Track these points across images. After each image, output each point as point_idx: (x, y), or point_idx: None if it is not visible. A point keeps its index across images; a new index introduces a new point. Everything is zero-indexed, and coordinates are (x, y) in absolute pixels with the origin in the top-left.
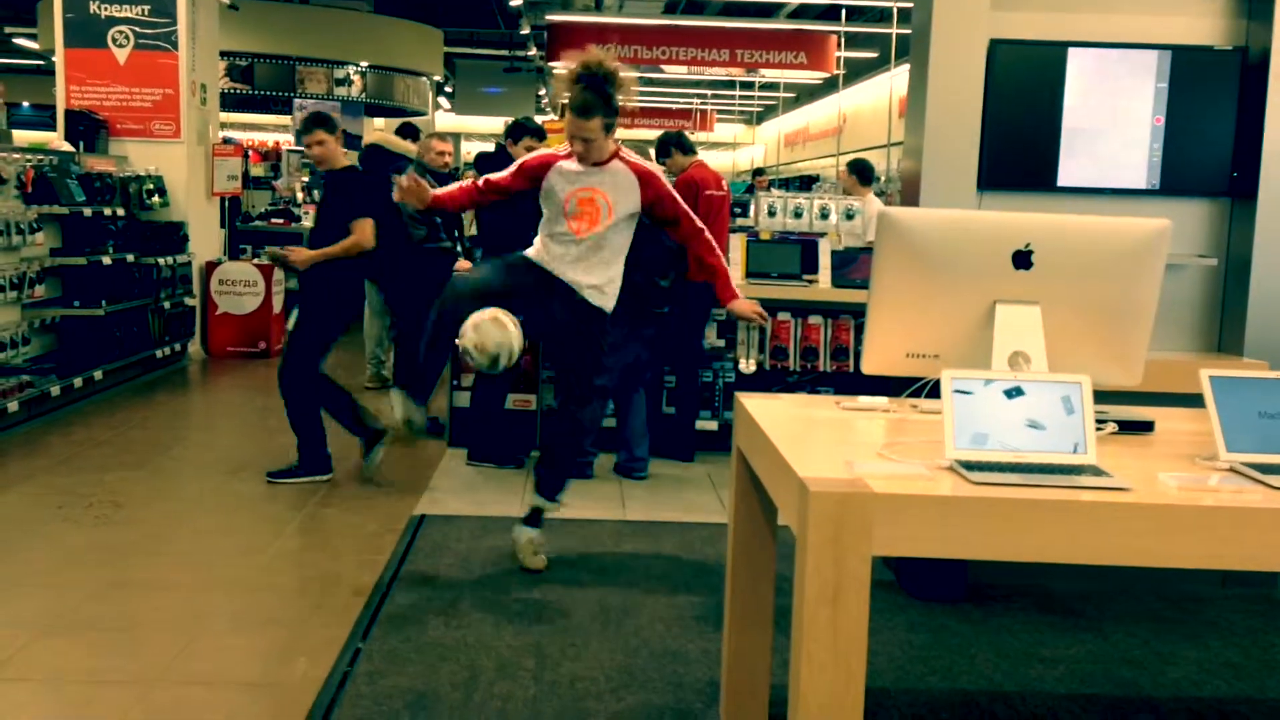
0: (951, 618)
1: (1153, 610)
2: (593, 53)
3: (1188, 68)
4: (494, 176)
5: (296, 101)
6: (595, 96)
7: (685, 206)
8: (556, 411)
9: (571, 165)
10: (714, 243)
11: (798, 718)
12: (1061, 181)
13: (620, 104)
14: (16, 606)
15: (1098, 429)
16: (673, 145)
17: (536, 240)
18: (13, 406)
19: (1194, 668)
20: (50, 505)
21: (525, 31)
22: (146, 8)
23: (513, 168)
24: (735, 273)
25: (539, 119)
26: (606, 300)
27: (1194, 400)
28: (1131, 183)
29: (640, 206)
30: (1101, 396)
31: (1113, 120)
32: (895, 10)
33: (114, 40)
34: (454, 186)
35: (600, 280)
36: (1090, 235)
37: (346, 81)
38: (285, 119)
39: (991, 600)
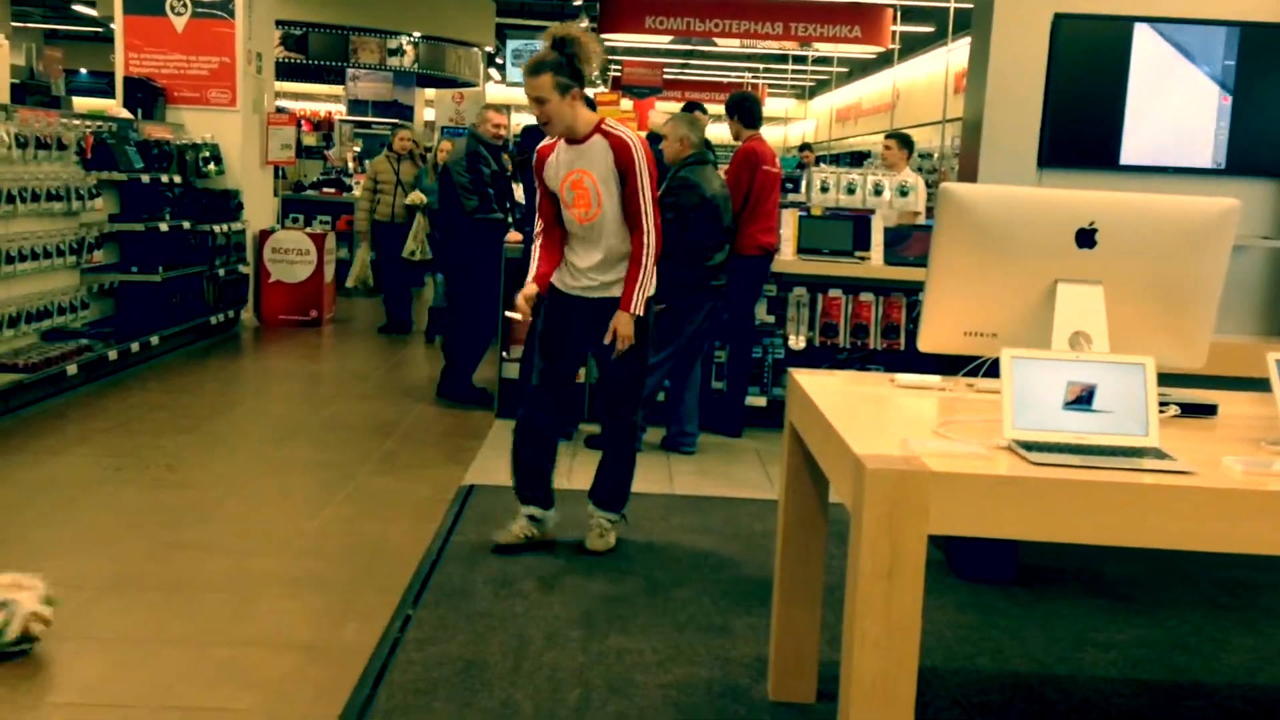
0: (1001, 599)
1: (1207, 595)
2: (568, 23)
3: (1257, 45)
4: (538, 202)
5: (350, 71)
6: (551, 55)
7: (646, 193)
8: (606, 420)
9: (564, 149)
10: (650, 241)
11: (850, 695)
12: (1124, 160)
13: (580, 70)
14: (75, 566)
15: (1160, 411)
16: (739, 110)
17: None
18: (71, 370)
19: (1248, 654)
20: (107, 467)
21: (578, 3)
22: None
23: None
24: (787, 249)
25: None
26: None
27: (1258, 384)
28: (1197, 162)
29: (617, 177)
30: (1164, 379)
31: (1179, 98)
32: None
33: (172, 8)
34: (535, 258)
35: (619, 269)
36: (1156, 214)
37: (399, 52)
38: (338, 89)
39: (1042, 582)
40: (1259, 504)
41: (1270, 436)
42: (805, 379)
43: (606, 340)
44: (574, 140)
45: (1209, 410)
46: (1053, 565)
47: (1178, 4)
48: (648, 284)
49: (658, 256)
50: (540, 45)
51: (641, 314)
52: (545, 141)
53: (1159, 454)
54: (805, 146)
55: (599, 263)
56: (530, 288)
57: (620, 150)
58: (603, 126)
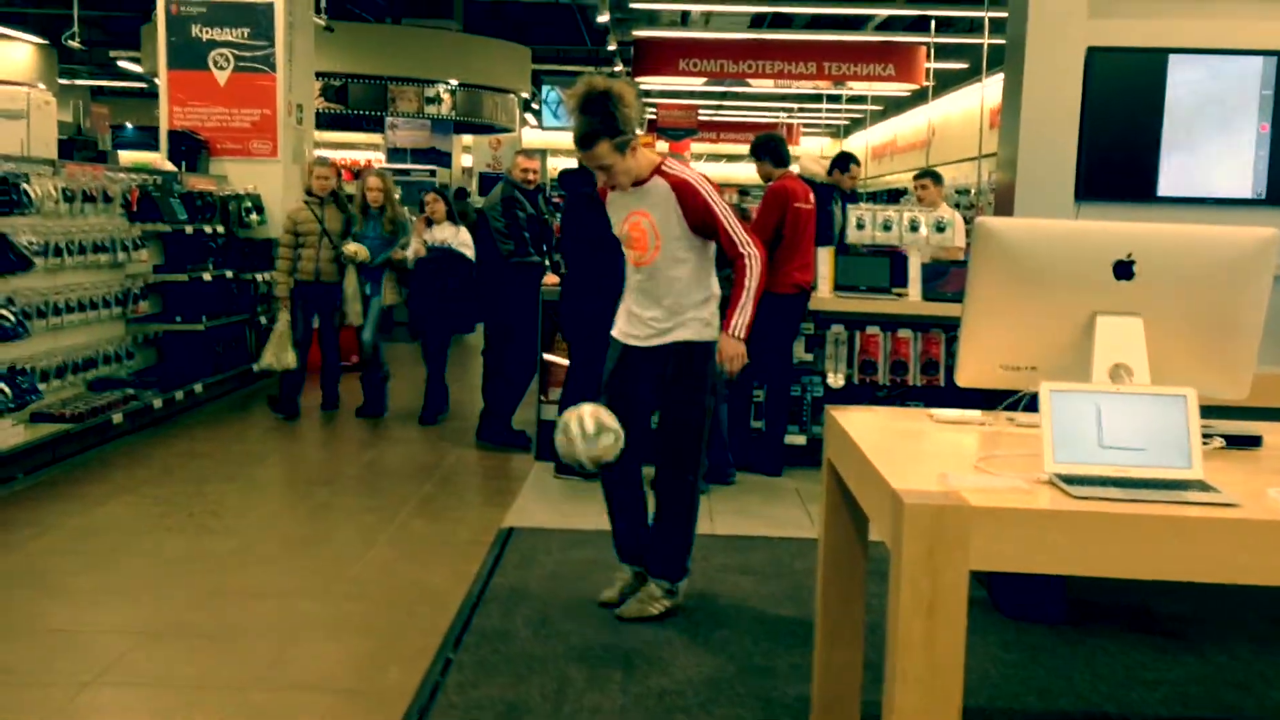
0: (1047, 637)
1: (1257, 631)
2: (588, 77)
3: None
4: (616, 234)
5: (388, 120)
6: (594, 120)
7: (728, 219)
8: (665, 475)
9: (622, 191)
10: (752, 264)
11: None
12: (1163, 191)
13: (628, 120)
14: (120, 613)
15: (1204, 444)
16: (766, 152)
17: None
18: (117, 418)
19: None
20: (152, 515)
21: (612, 48)
22: (246, 30)
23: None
24: (824, 286)
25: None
26: (691, 330)
27: None
28: (1236, 192)
29: (684, 220)
30: (1207, 411)
31: (1216, 128)
32: (987, 20)
33: (215, 62)
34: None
35: (678, 314)
36: (1195, 245)
37: (437, 100)
38: (377, 137)
39: (1089, 620)
40: None
41: None
42: (843, 416)
43: (723, 361)
44: (636, 182)
45: (1254, 442)
46: (1100, 602)
47: (1212, 35)
48: (750, 309)
49: (761, 282)
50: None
51: (743, 337)
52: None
53: (1203, 486)
54: (843, 160)
55: (657, 310)
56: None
57: (685, 191)
58: (662, 168)
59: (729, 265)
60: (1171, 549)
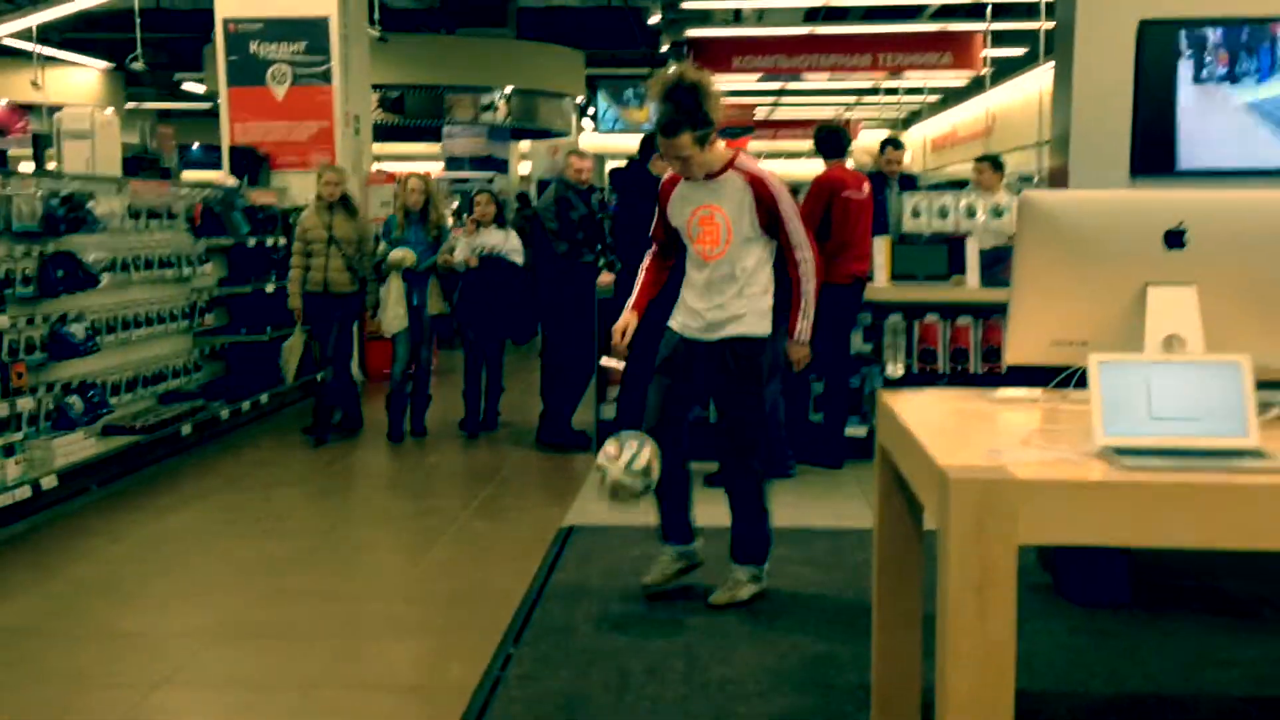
0: (1114, 621)
1: None
2: (674, 67)
3: None
4: (653, 233)
5: (445, 129)
6: (679, 111)
7: (794, 221)
8: (728, 468)
9: (691, 183)
10: (808, 268)
11: (946, 715)
12: (1221, 164)
13: (711, 113)
14: (188, 616)
15: (1263, 413)
16: (817, 144)
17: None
18: (186, 429)
19: None
20: (220, 521)
21: (665, 49)
22: (302, 45)
23: (658, 211)
24: (880, 275)
25: None
26: (748, 324)
27: None
28: None
29: (756, 216)
30: (1270, 384)
31: (1276, 99)
32: (1043, 4)
33: (273, 78)
34: (641, 279)
35: (738, 308)
36: (1247, 210)
37: (492, 107)
38: (435, 147)
39: (1157, 603)
40: None
41: None
42: (894, 399)
43: (792, 362)
44: (709, 175)
45: None
46: (1167, 584)
47: (1267, 3)
48: (811, 313)
49: (818, 284)
50: (648, 88)
51: (807, 340)
52: (670, 174)
53: (1259, 454)
54: (891, 143)
55: (716, 302)
56: (626, 318)
57: (759, 186)
58: (736, 163)
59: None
60: (1225, 516)
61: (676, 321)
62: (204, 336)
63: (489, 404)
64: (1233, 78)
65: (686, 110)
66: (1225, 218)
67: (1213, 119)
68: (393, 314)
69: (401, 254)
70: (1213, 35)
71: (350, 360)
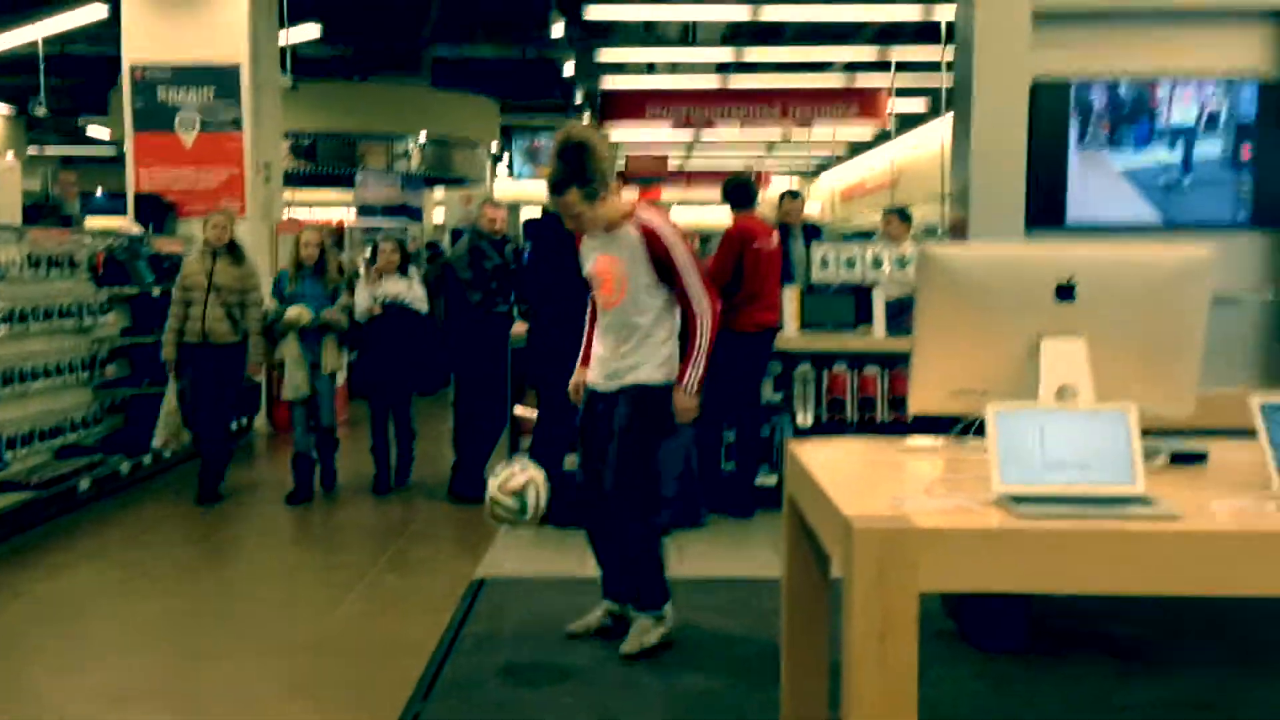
0: (1014, 666)
1: (1219, 654)
2: (567, 126)
3: (1234, 99)
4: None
5: (358, 176)
6: (566, 169)
7: (690, 274)
8: (620, 516)
9: (596, 235)
10: (704, 320)
11: None
12: (1109, 217)
13: (598, 171)
14: (88, 678)
15: (1150, 461)
16: (725, 195)
17: None
18: (84, 485)
19: (1265, 708)
20: (120, 579)
21: (579, 99)
22: (212, 91)
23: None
24: (790, 325)
25: None
26: (645, 373)
27: (1254, 435)
28: (1180, 216)
29: (651, 267)
30: (1157, 432)
31: (1159, 155)
32: (944, 61)
33: (181, 124)
34: (587, 331)
35: (636, 357)
36: (1132, 265)
37: (406, 155)
38: (347, 194)
39: (1055, 647)
40: (1244, 546)
41: (1259, 482)
42: (803, 450)
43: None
44: (607, 227)
45: (1199, 458)
46: (1063, 628)
47: (1153, 63)
48: (702, 364)
49: (713, 337)
50: (547, 140)
51: (695, 392)
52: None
53: (1145, 501)
54: (788, 195)
55: (618, 351)
56: (578, 374)
57: (652, 238)
58: (635, 215)
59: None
60: (1115, 563)
61: (590, 373)
62: (105, 388)
63: (400, 459)
64: (1113, 144)
65: (573, 169)
66: (1112, 272)
67: (1095, 181)
68: (293, 380)
69: (297, 312)
70: (1098, 104)
71: (230, 416)
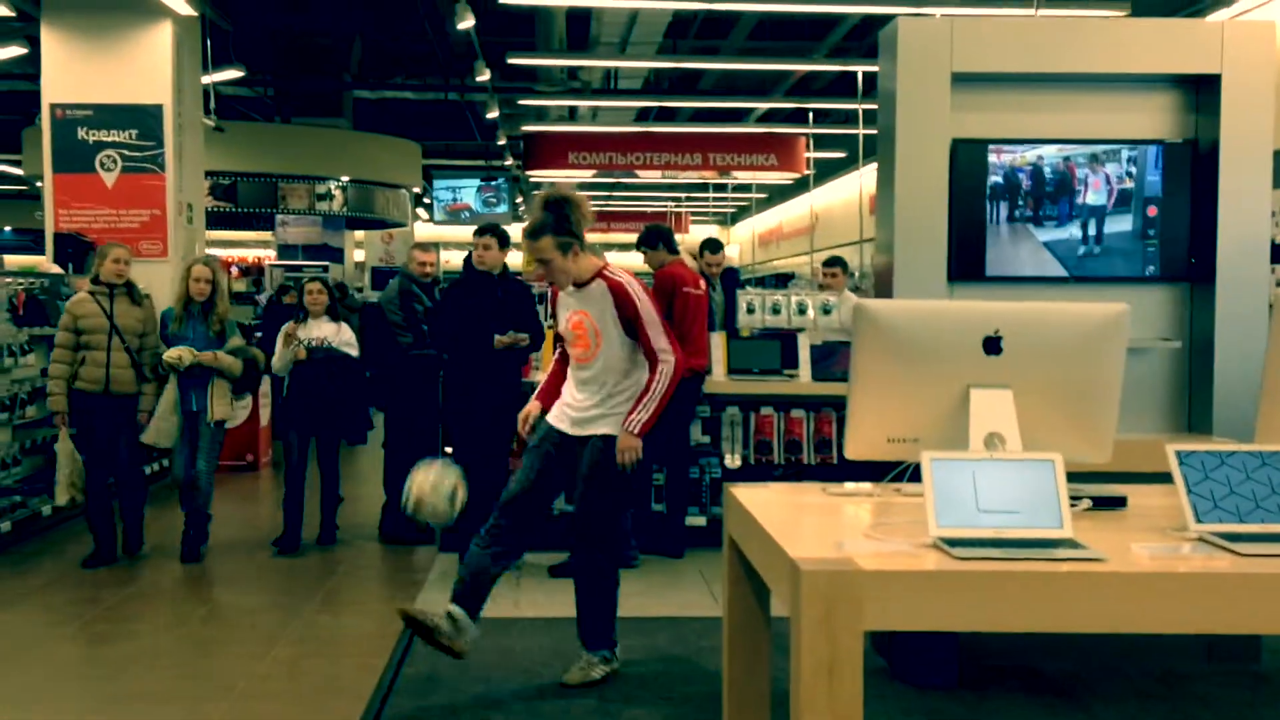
0: (945, 701)
1: (1140, 688)
2: (556, 185)
3: (1144, 160)
4: (560, 331)
5: (279, 217)
6: (546, 216)
7: (653, 328)
8: (577, 558)
9: (570, 291)
10: (666, 369)
11: None
12: (1028, 272)
13: (575, 225)
14: None
15: (1073, 505)
16: (659, 239)
17: None
18: (4, 527)
19: None
20: (44, 623)
21: (502, 142)
22: (134, 132)
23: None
24: (718, 369)
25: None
26: (612, 424)
27: (1168, 478)
28: (1095, 270)
29: (618, 321)
30: (1078, 476)
31: (1075, 212)
32: (860, 112)
33: (102, 164)
34: (550, 370)
35: (605, 409)
36: (1054, 320)
37: (328, 196)
38: (267, 235)
39: (984, 684)
40: (1166, 586)
41: (1176, 524)
42: (743, 493)
43: (620, 457)
44: (578, 284)
45: (1119, 503)
46: (991, 665)
47: (1067, 127)
48: (651, 409)
49: (672, 387)
50: (466, 185)
51: (637, 433)
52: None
53: (1073, 544)
54: (709, 247)
55: (589, 403)
56: (530, 406)
57: (619, 293)
58: (604, 272)
59: None
60: (1046, 603)
61: (553, 414)
62: (25, 429)
63: (325, 514)
64: (1037, 220)
65: (553, 217)
66: (1036, 327)
67: (1019, 247)
68: (163, 424)
69: (178, 353)
70: (1025, 184)
71: (142, 474)
